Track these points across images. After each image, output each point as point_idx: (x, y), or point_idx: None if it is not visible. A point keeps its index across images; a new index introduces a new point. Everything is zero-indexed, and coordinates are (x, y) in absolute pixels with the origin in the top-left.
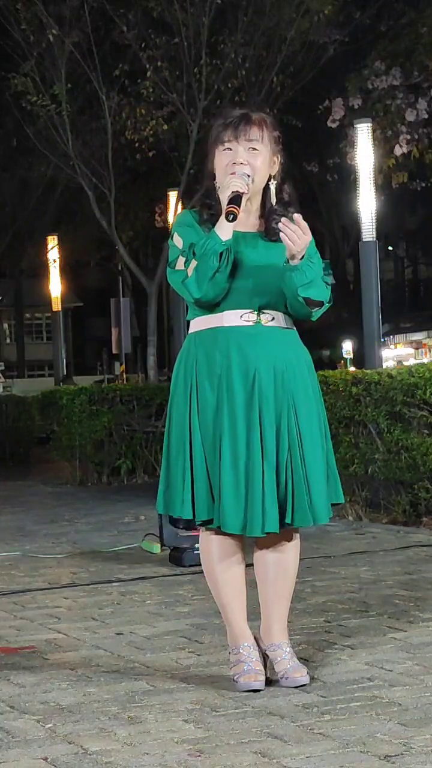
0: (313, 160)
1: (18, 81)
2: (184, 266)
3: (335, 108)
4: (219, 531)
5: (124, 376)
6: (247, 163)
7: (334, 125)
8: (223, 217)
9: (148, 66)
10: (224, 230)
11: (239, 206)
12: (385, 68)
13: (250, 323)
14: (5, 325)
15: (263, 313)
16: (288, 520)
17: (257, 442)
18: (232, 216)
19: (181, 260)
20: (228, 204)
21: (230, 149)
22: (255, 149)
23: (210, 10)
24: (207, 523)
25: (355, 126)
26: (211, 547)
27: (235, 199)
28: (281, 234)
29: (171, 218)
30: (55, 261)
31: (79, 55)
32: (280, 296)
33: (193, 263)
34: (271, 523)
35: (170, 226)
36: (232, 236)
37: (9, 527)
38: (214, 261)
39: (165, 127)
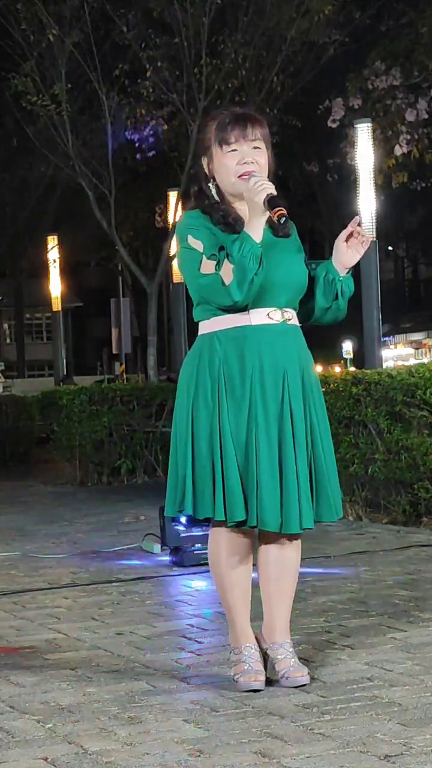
0: (313, 160)
1: (18, 81)
2: (216, 269)
3: (335, 108)
4: (230, 530)
5: (124, 376)
6: (254, 161)
7: (334, 125)
8: (252, 218)
9: (148, 66)
10: (257, 232)
11: (281, 206)
12: (385, 68)
13: (276, 322)
14: (5, 325)
15: (285, 311)
16: (314, 516)
17: (290, 440)
18: (284, 218)
19: (208, 263)
20: (273, 208)
21: (236, 150)
22: (258, 148)
23: (210, 10)
24: (241, 524)
25: (355, 126)
26: (220, 546)
27: (275, 201)
28: (352, 249)
29: (171, 218)
30: (55, 261)
31: (79, 55)
32: (297, 294)
33: (228, 266)
34: (307, 519)
35: (170, 226)
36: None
37: (9, 527)
38: (254, 264)
39: (165, 127)
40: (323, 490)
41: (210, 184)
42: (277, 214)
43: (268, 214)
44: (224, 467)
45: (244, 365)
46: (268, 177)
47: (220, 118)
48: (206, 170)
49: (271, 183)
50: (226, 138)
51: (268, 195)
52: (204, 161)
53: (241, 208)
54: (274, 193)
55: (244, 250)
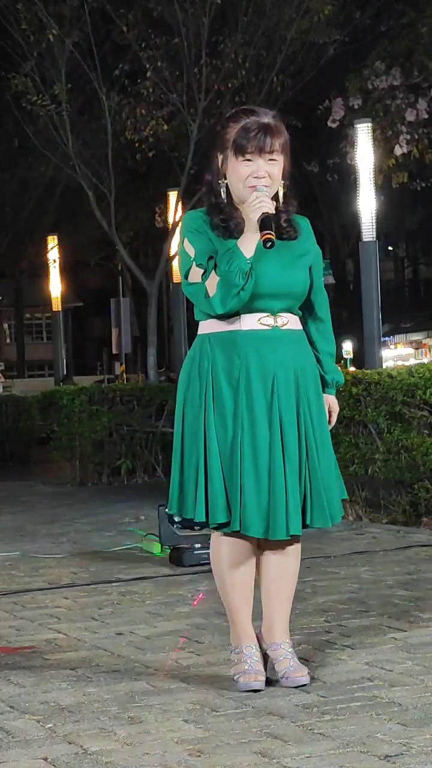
0: (313, 160)
1: (18, 81)
2: (202, 279)
3: (335, 108)
4: (230, 533)
5: (124, 376)
6: (266, 175)
7: (334, 125)
8: (247, 233)
9: (148, 66)
10: (249, 247)
11: (272, 229)
12: (385, 68)
13: (268, 327)
14: (5, 325)
15: (279, 316)
16: (307, 521)
17: (278, 446)
18: (270, 243)
19: (196, 271)
20: (263, 230)
21: (250, 161)
22: (274, 159)
23: (210, 10)
24: (223, 526)
25: (355, 126)
26: (221, 548)
27: (267, 222)
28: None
29: (171, 218)
30: (55, 261)
31: (79, 55)
32: (295, 300)
33: (214, 278)
34: (295, 525)
35: (170, 225)
36: (254, 252)
37: (9, 527)
38: (240, 280)
39: (165, 127)
40: (317, 496)
41: (221, 182)
42: (264, 237)
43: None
44: (207, 469)
45: (231, 370)
46: (282, 179)
47: (244, 124)
48: (219, 165)
49: (270, 201)
50: (243, 148)
51: (262, 214)
52: (219, 157)
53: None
54: (271, 212)
55: (232, 265)
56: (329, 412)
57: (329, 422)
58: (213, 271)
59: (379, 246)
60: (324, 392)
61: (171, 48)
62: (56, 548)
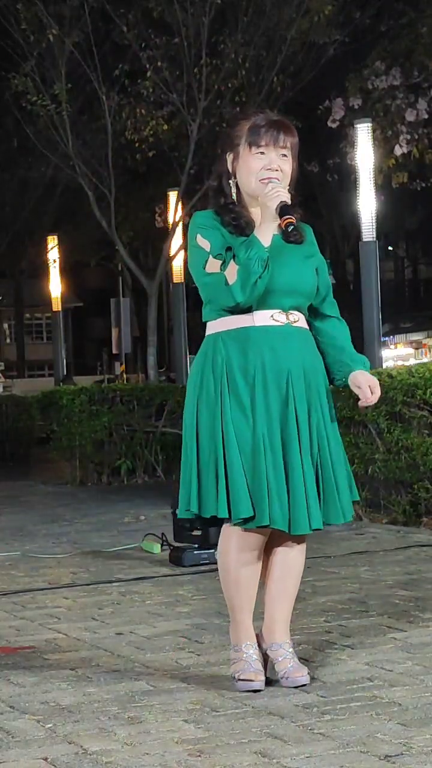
0: (313, 160)
1: (18, 81)
2: (220, 269)
3: (335, 108)
4: (249, 529)
5: (124, 376)
6: (279, 169)
7: (334, 125)
8: (263, 223)
9: (148, 66)
10: (266, 236)
11: (292, 215)
12: (385, 68)
13: (281, 323)
14: (5, 325)
15: (291, 313)
16: (323, 517)
17: (295, 442)
18: (292, 227)
19: (214, 262)
20: (282, 216)
21: (264, 153)
22: (285, 155)
23: (210, 10)
24: (247, 521)
25: (355, 126)
26: (231, 543)
27: (286, 209)
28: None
29: (171, 218)
30: (55, 261)
31: (79, 55)
32: (304, 299)
33: (233, 266)
34: (316, 520)
35: (170, 225)
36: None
37: (9, 527)
38: (259, 267)
39: (165, 127)
40: (331, 492)
41: (231, 181)
42: (285, 222)
43: (278, 220)
44: (227, 464)
45: (246, 365)
46: (290, 184)
47: (255, 120)
48: (229, 166)
49: (287, 191)
50: (257, 140)
51: (281, 203)
52: (229, 157)
53: (256, 211)
54: (288, 201)
55: (251, 253)
56: (371, 387)
57: (373, 393)
58: (232, 260)
59: (379, 246)
60: (357, 370)
61: (171, 48)
62: (56, 548)
